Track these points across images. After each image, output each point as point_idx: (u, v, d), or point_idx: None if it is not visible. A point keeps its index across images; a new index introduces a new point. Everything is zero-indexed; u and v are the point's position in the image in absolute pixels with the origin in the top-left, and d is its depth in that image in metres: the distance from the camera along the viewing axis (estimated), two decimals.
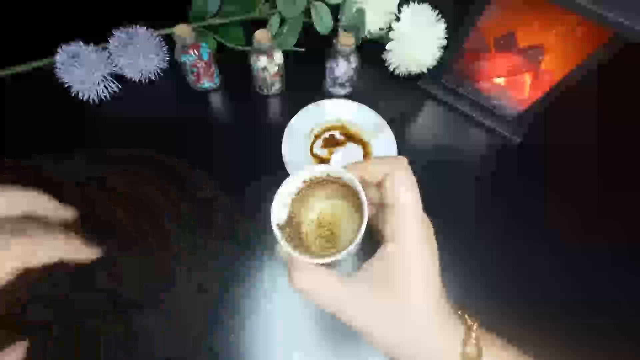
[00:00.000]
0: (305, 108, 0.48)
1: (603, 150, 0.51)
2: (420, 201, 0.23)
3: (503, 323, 0.38)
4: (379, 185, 0.24)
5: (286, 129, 0.46)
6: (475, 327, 0.22)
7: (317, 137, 0.48)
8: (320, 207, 0.28)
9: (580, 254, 0.43)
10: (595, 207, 0.47)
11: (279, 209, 0.24)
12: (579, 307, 0.40)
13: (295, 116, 0.48)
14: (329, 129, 0.49)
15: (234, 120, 0.50)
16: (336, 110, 0.49)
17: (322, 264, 0.22)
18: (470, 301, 0.40)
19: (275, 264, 0.40)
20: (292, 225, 0.26)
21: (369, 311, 0.21)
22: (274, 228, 0.23)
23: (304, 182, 0.25)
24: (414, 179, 0.23)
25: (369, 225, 0.23)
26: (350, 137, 0.48)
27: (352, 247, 0.22)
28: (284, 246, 0.22)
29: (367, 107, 0.49)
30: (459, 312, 0.23)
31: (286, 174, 0.43)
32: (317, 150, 0.47)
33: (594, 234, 0.45)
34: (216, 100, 0.51)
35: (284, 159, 0.44)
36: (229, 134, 0.48)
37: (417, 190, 0.23)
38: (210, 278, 0.37)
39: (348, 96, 0.51)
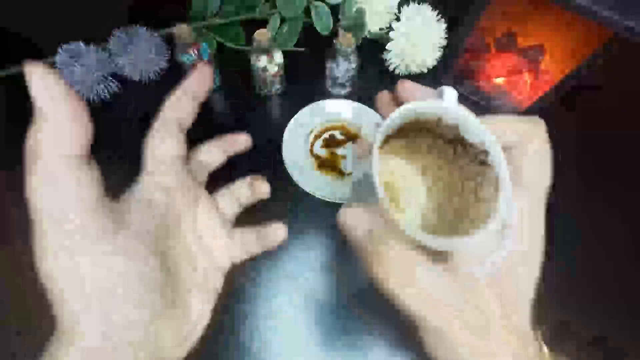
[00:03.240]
0: (305, 108, 0.48)
1: (603, 150, 0.51)
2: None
3: None
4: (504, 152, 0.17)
5: (286, 129, 0.46)
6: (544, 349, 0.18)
7: (317, 137, 0.48)
8: (390, 158, 0.21)
9: (580, 254, 0.43)
10: (595, 206, 0.47)
11: (378, 156, 0.16)
12: (573, 308, 0.40)
13: (295, 116, 0.48)
14: (329, 129, 0.49)
15: (234, 120, 0.50)
16: (336, 110, 0.49)
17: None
18: None
19: (275, 264, 0.40)
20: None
21: (458, 315, 0.16)
22: (376, 182, 0.15)
23: (403, 123, 0.17)
24: (551, 155, 0.17)
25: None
26: (350, 137, 0.48)
27: (490, 228, 0.15)
28: (390, 214, 0.15)
29: (367, 107, 0.49)
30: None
31: (286, 174, 0.43)
32: (317, 150, 0.47)
33: (593, 233, 0.45)
34: (216, 100, 0.51)
35: (284, 159, 0.44)
36: (229, 134, 0.48)
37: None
38: None
39: (348, 96, 0.51)
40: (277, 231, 0.23)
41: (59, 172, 0.13)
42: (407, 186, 0.21)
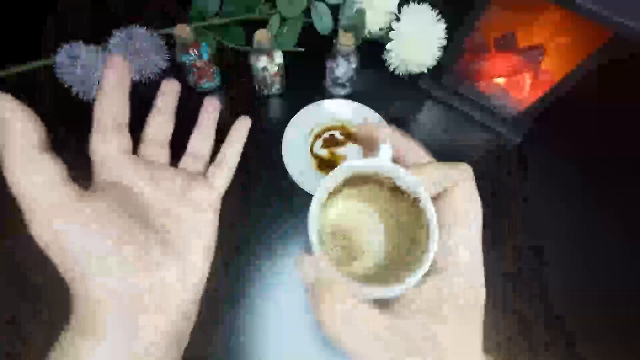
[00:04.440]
0: (305, 108, 0.48)
1: (603, 150, 0.51)
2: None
3: (503, 324, 0.39)
4: (437, 196, 0.19)
5: (286, 129, 0.46)
6: None
7: (317, 137, 0.48)
8: (342, 207, 0.23)
9: (580, 254, 0.43)
10: (595, 206, 0.47)
11: (318, 213, 0.18)
12: (581, 306, 0.40)
13: (295, 116, 0.48)
14: (329, 129, 0.49)
15: (234, 121, 0.50)
16: (336, 110, 0.49)
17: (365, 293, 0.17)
18: None
19: (274, 263, 0.40)
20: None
21: (409, 352, 0.16)
22: (313, 239, 0.17)
23: (345, 179, 0.20)
24: (477, 196, 0.19)
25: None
26: (350, 137, 0.48)
27: (418, 276, 0.17)
28: (325, 267, 0.17)
29: (367, 107, 0.49)
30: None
31: (286, 174, 0.43)
32: (317, 150, 0.47)
33: (594, 233, 0.45)
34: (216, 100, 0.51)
35: (284, 159, 0.44)
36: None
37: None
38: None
39: (348, 96, 0.51)
40: (239, 126, 0.27)
41: (24, 159, 0.16)
42: (364, 230, 0.22)
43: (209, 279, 0.22)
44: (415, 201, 0.18)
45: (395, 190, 0.20)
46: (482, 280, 0.18)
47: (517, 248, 0.43)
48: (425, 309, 0.17)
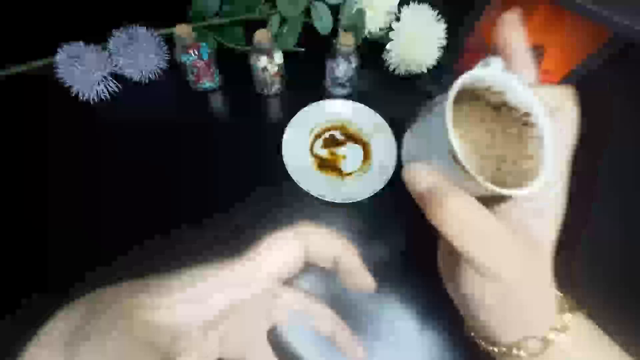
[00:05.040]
0: (305, 108, 0.48)
1: (603, 150, 0.51)
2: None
3: None
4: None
5: (286, 129, 0.46)
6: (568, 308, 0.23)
7: (317, 137, 0.48)
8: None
9: (579, 254, 0.43)
10: (595, 206, 0.47)
11: (451, 114, 0.19)
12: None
13: (295, 116, 0.48)
14: (329, 129, 0.48)
15: (234, 121, 0.50)
16: (336, 110, 0.49)
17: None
18: None
19: None
20: None
21: (507, 253, 0.19)
22: (449, 126, 0.18)
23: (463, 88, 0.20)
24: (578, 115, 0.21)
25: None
26: (350, 137, 0.48)
27: (541, 181, 0.19)
28: (462, 160, 0.18)
29: (367, 107, 0.49)
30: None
31: (286, 174, 0.43)
32: (317, 150, 0.47)
33: (594, 233, 0.45)
34: (216, 100, 0.51)
35: (284, 159, 0.44)
36: (229, 134, 0.48)
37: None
38: None
39: (348, 96, 0.51)
40: None
41: None
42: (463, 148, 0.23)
43: None
44: (526, 115, 0.20)
45: (499, 109, 0.21)
46: (563, 199, 0.21)
47: None
48: (527, 214, 0.20)
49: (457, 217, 0.18)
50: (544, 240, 0.21)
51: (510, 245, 0.19)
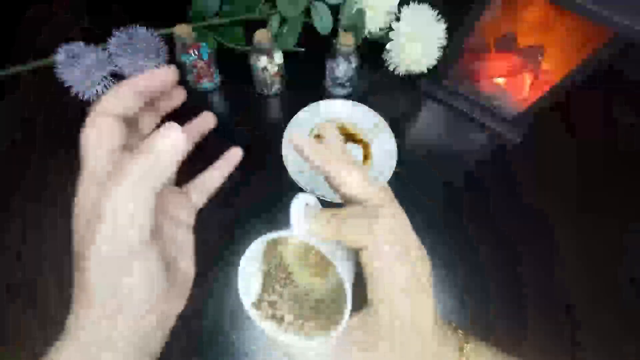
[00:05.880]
0: (305, 108, 0.48)
1: (603, 150, 0.51)
2: (409, 263, 0.18)
3: (498, 323, 0.39)
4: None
5: (286, 128, 0.46)
6: (467, 343, 0.21)
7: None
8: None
9: (581, 254, 0.43)
10: (596, 206, 0.47)
11: (247, 284, 0.20)
12: (577, 308, 0.40)
13: (295, 116, 0.48)
14: None
15: (234, 120, 0.50)
16: (336, 110, 0.49)
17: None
18: (468, 298, 0.40)
19: None
20: (270, 272, 0.22)
21: None
22: (248, 309, 0.20)
23: (268, 243, 0.21)
24: (404, 237, 0.18)
25: None
26: (350, 137, 0.48)
27: (339, 331, 0.18)
28: (266, 328, 0.19)
29: (367, 107, 0.49)
30: (452, 327, 0.22)
31: (286, 174, 0.43)
32: None
33: (594, 233, 0.45)
34: (216, 100, 0.51)
35: (284, 159, 0.44)
36: (229, 134, 0.48)
37: (409, 253, 0.18)
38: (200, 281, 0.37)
39: (348, 96, 0.51)
40: (230, 156, 0.26)
41: None
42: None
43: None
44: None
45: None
46: (416, 300, 0.18)
47: (516, 247, 0.43)
48: (360, 341, 0.19)
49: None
50: None
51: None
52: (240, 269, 0.19)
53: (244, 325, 0.37)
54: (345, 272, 0.18)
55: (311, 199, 0.21)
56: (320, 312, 0.20)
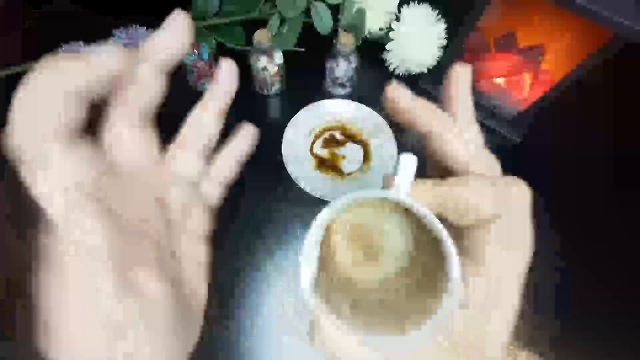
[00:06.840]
0: (305, 108, 0.48)
1: (603, 150, 0.51)
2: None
3: None
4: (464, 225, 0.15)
5: (286, 129, 0.46)
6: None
7: (317, 137, 0.48)
8: (359, 214, 0.19)
9: (581, 254, 0.43)
10: (596, 206, 0.47)
11: (310, 256, 0.15)
12: (578, 308, 0.40)
13: (295, 116, 0.48)
14: (329, 129, 0.48)
15: (234, 121, 0.50)
16: (336, 110, 0.49)
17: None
18: None
19: (275, 263, 0.40)
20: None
21: None
22: (306, 291, 0.15)
23: (344, 209, 0.17)
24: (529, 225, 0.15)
25: None
26: (350, 137, 0.48)
27: (426, 335, 0.14)
28: (321, 315, 0.15)
29: (367, 107, 0.49)
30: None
31: (286, 174, 0.43)
32: (317, 150, 0.47)
33: (595, 233, 0.45)
34: None
35: (284, 159, 0.44)
36: (229, 134, 0.48)
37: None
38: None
39: (348, 96, 0.51)
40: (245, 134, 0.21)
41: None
42: (384, 233, 0.18)
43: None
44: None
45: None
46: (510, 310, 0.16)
47: None
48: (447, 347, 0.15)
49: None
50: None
51: None
52: (309, 234, 0.15)
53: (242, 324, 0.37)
54: (452, 247, 0.14)
55: (415, 160, 0.16)
56: (385, 306, 0.17)
